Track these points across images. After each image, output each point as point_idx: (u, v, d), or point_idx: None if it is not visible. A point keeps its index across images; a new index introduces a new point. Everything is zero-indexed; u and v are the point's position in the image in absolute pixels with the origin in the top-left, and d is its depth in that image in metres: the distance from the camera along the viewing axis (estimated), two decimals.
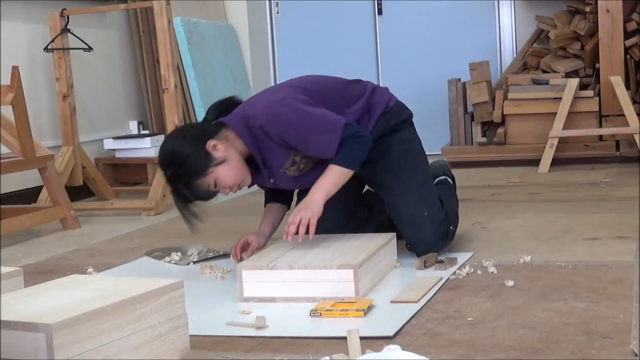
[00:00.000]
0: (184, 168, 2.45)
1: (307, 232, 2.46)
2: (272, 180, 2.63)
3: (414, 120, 2.87)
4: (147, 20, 5.51)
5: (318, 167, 2.59)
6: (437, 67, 6.28)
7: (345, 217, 2.83)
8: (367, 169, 2.68)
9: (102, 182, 4.83)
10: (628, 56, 5.34)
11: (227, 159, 2.50)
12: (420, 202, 2.69)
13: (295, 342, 1.95)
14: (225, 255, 2.99)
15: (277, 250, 2.51)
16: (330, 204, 2.53)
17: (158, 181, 4.39)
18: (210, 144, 2.48)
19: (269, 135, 2.50)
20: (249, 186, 2.66)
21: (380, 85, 3.01)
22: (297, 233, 2.44)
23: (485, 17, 6.29)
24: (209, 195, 2.52)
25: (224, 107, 2.68)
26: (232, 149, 2.52)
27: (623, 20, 5.29)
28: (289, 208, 2.87)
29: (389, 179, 2.72)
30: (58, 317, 1.57)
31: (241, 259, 2.69)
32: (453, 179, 3.12)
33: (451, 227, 2.78)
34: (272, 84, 6.60)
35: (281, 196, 2.84)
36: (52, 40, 4.61)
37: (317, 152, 2.53)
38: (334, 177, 2.50)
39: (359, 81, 2.80)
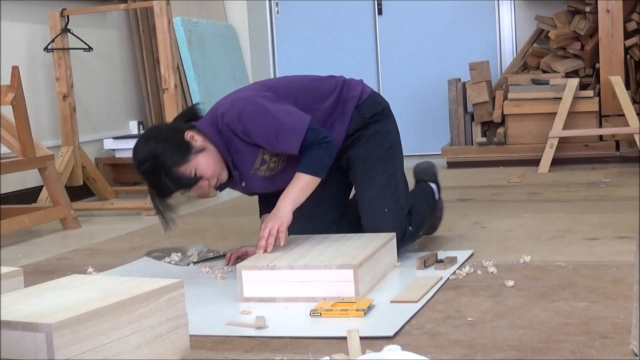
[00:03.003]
0: (165, 156, 2.44)
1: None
2: (243, 184, 2.63)
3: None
4: (147, 20, 5.51)
5: (290, 167, 2.59)
6: (437, 67, 6.28)
7: (337, 219, 2.84)
8: (344, 159, 2.75)
9: (102, 182, 4.84)
10: (628, 56, 5.34)
11: (206, 148, 2.51)
12: (381, 198, 2.70)
13: (295, 342, 1.95)
14: (225, 255, 2.99)
15: (276, 250, 2.52)
16: (320, 207, 2.62)
17: None
18: (187, 134, 2.51)
19: (235, 133, 2.51)
20: (221, 188, 2.66)
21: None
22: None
23: (485, 17, 6.29)
24: (190, 182, 2.49)
25: (189, 116, 2.69)
26: (208, 142, 2.54)
27: (623, 20, 5.29)
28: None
29: (358, 172, 2.75)
30: (58, 317, 1.57)
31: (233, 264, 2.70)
32: (437, 183, 3.05)
33: (410, 227, 2.76)
34: None
35: (273, 205, 2.80)
36: (52, 40, 4.61)
37: (282, 147, 2.53)
38: (300, 185, 2.52)
39: (330, 77, 2.79)
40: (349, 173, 2.81)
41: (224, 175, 2.58)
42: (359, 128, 2.74)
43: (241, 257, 2.76)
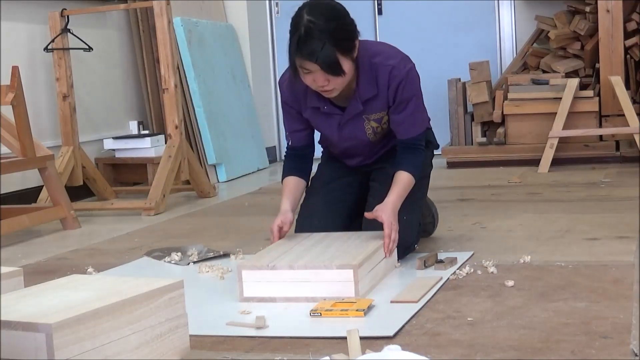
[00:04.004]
0: (338, 35, 2.44)
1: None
2: (342, 121, 2.67)
3: None
4: (147, 20, 5.51)
5: (383, 143, 2.76)
6: (437, 67, 6.27)
7: (347, 226, 2.84)
8: (386, 160, 2.80)
9: (102, 182, 4.84)
10: (628, 56, 5.34)
11: (354, 63, 2.55)
12: (404, 206, 2.69)
13: (295, 342, 1.95)
14: (225, 255, 2.99)
15: (277, 249, 2.52)
16: (335, 210, 2.71)
17: (158, 181, 4.40)
18: (357, 41, 2.55)
19: (389, 83, 2.60)
20: (324, 104, 2.65)
21: None
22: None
23: (485, 17, 6.29)
24: (335, 70, 2.46)
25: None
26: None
27: (623, 20, 5.29)
28: (307, 182, 2.85)
29: (389, 178, 2.73)
30: (58, 317, 1.57)
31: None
32: (434, 217, 3.10)
33: (416, 245, 2.81)
34: (272, 84, 6.60)
35: (301, 168, 2.81)
36: (52, 40, 4.61)
37: (402, 124, 2.66)
38: (405, 185, 2.64)
39: None
40: (378, 175, 2.81)
41: (335, 92, 2.56)
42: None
43: (281, 229, 2.67)
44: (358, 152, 2.81)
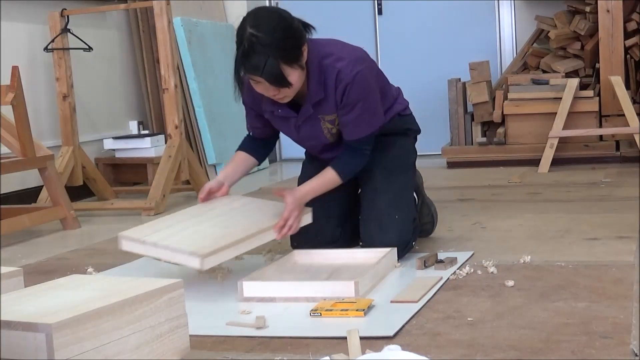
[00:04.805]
0: (282, 46, 2.42)
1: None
2: (299, 122, 2.67)
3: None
4: (147, 20, 5.51)
5: (336, 145, 2.72)
6: (437, 67, 6.27)
7: (342, 223, 2.85)
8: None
9: (102, 182, 4.83)
10: (628, 56, 5.34)
11: (304, 69, 2.53)
12: (395, 205, 2.71)
13: (295, 342, 1.95)
14: None
15: (164, 222, 2.59)
16: (328, 209, 2.70)
17: (158, 181, 4.40)
18: (305, 47, 2.53)
19: (337, 85, 2.56)
20: (278, 108, 2.65)
21: None
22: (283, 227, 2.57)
23: (485, 17, 6.28)
24: (282, 82, 2.45)
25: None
26: (305, 64, 2.55)
27: (623, 20, 5.29)
28: (259, 164, 2.90)
29: (377, 174, 2.77)
30: (58, 317, 1.56)
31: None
32: (417, 191, 3.06)
33: (413, 243, 2.81)
34: None
35: (256, 148, 2.86)
36: (52, 40, 4.61)
37: (349, 125, 2.62)
38: (326, 180, 2.64)
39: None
40: (363, 175, 2.81)
41: (288, 98, 2.57)
42: (392, 132, 2.80)
43: (210, 195, 2.73)
44: (326, 149, 2.79)
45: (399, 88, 2.94)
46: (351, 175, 2.69)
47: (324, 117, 2.65)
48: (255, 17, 2.47)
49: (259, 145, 2.88)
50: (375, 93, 2.65)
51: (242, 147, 2.87)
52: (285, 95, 2.53)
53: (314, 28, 2.60)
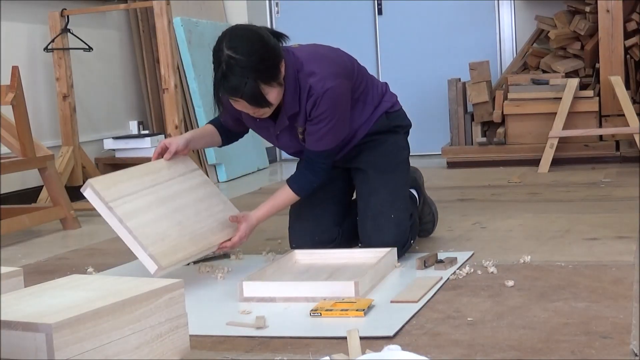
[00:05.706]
0: (261, 67, 2.43)
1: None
2: (278, 132, 2.68)
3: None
4: (147, 20, 5.51)
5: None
6: (437, 67, 6.28)
7: (340, 222, 2.85)
8: (357, 158, 2.79)
9: None
10: (628, 56, 5.34)
11: (282, 85, 2.53)
12: (390, 204, 2.71)
13: (295, 342, 1.95)
14: (225, 256, 2.99)
15: (131, 184, 2.61)
16: (325, 209, 2.73)
17: None
18: (282, 64, 2.52)
19: (308, 97, 2.56)
20: (258, 123, 2.68)
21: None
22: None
23: (485, 17, 6.29)
24: (262, 103, 2.48)
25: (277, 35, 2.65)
26: (283, 79, 2.55)
27: (623, 20, 5.29)
28: (221, 145, 2.92)
29: (370, 174, 2.77)
30: (58, 317, 1.57)
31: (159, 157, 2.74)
32: (417, 189, 3.05)
33: (411, 241, 2.80)
34: None
35: (227, 134, 2.88)
36: (52, 40, 4.61)
37: (311, 137, 2.62)
38: (283, 198, 2.70)
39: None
40: (357, 176, 2.82)
41: (268, 114, 2.59)
42: (380, 131, 2.79)
43: (162, 152, 2.74)
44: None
45: (386, 84, 2.90)
46: (309, 191, 2.70)
47: (298, 127, 2.67)
48: (231, 37, 2.46)
49: (229, 133, 2.89)
50: (344, 110, 2.64)
51: (215, 124, 2.87)
52: (264, 112, 2.55)
53: (287, 37, 2.59)
